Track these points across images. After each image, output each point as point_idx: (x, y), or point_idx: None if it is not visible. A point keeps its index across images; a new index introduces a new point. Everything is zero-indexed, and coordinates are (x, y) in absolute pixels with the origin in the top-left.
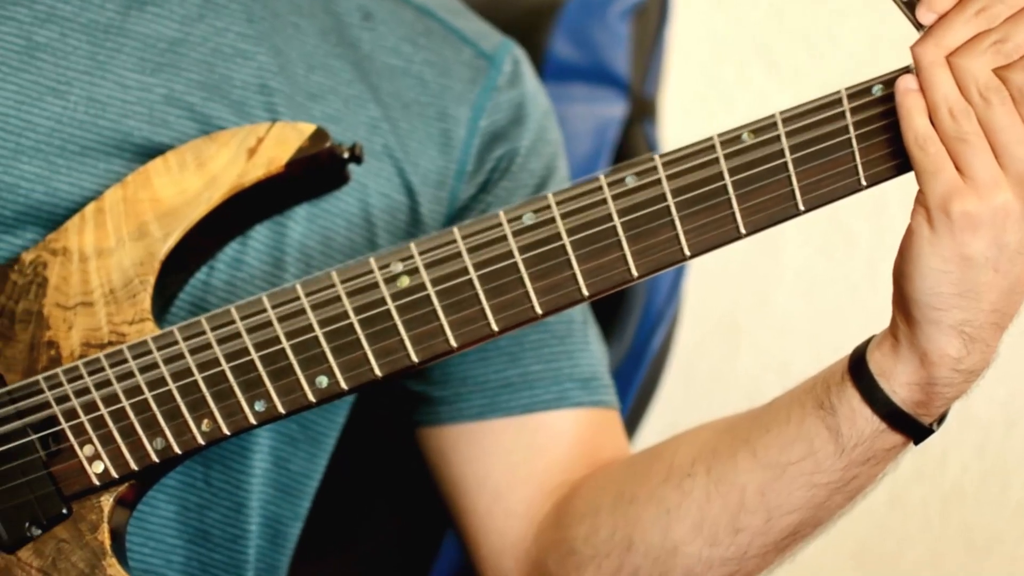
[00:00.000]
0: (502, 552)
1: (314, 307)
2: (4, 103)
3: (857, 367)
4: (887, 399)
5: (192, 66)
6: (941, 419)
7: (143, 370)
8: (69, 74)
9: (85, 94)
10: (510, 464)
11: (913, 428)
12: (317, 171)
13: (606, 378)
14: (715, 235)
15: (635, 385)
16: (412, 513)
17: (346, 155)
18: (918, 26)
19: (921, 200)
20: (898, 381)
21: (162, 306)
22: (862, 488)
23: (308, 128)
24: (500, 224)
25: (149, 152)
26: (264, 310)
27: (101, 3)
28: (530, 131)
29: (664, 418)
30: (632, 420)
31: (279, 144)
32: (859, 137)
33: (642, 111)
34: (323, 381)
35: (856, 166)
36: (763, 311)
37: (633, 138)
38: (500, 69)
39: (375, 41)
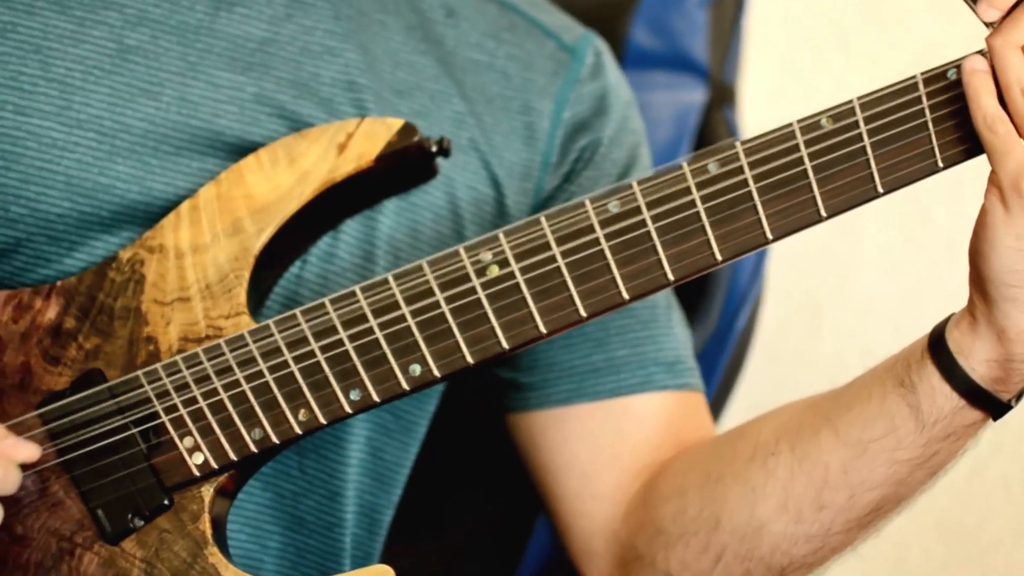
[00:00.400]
0: (592, 534)
1: (406, 297)
2: (98, 106)
3: (936, 345)
4: (966, 376)
5: (281, 65)
6: (1020, 395)
7: (240, 363)
8: (161, 75)
9: (177, 95)
10: (597, 447)
11: (992, 404)
12: (406, 165)
13: (690, 361)
14: (796, 219)
15: (720, 365)
16: (504, 498)
17: (434, 149)
18: (986, 24)
19: (994, 180)
20: (976, 358)
21: (257, 300)
22: (943, 464)
23: (397, 123)
24: (586, 212)
25: (241, 150)
26: (357, 301)
27: (191, 5)
28: (613, 121)
29: (749, 398)
30: (718, 400)
31: (368, 139)
32: (935, 120)
33: (722, 96)
34: (416, 369)
35: (933, 149)
36: (844, 292)
37: (714, 123)
38: (582, 61)
39: (459, 37)
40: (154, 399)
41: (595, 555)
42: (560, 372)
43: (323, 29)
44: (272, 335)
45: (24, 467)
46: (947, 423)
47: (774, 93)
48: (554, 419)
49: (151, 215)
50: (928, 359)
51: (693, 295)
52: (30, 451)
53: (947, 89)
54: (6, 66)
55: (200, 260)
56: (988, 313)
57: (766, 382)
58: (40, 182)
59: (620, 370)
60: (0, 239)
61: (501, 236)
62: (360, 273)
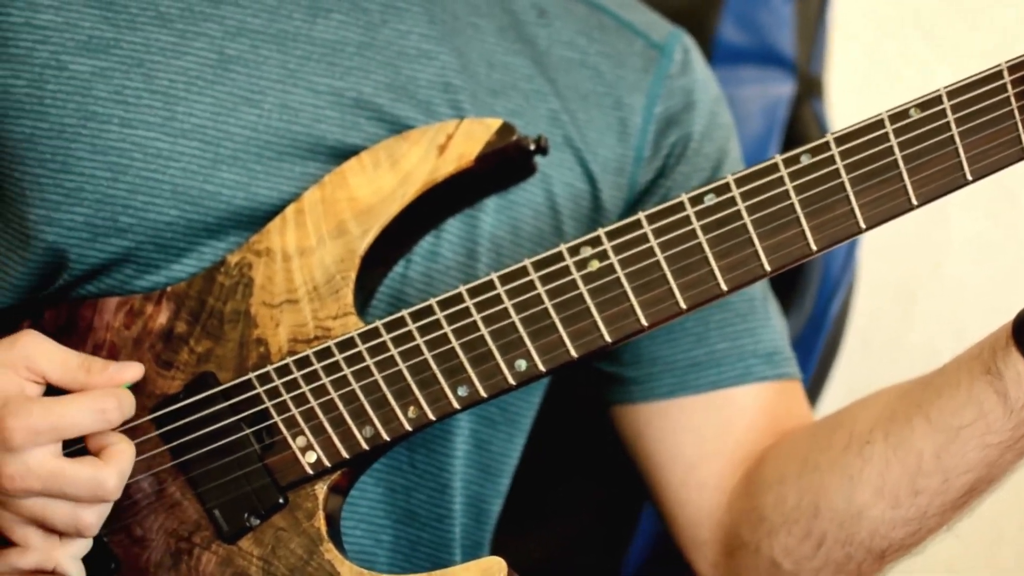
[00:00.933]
0: (698, 522)
1: (510, 295)
2: (201, 115)
3: (1020, 333)
4: None
5: (378, 69)
6: None
7: (350, 363)
8: (262, 83)
9: (278, 101)
10: (700, 439)
11: None
12: (505, 164)
13: (787, 351)
14: (888, 207)
15: (816, 352)
16: (610, 487)
17: (532, 147)
18: None
19: None
20: None
21: (363, 300)
22: None
23: (495, 123)
24: (683, 207)
25: (342, 154)
26: (464, 301)
27: (288, 13)
28: (702, 116)
29: (844, 383)
30: (814, 386)
31: (468, 139)
32: (1021, 108)
33: (810, 89)
34: (522, 364)
35: (1020, 135)
36: (936, 278)
37: (802, 115)
38: (671, 58)
39: (551, 36)
40: (266, 400)
41: (702, 543)
42: (663, 366)
43: (418, 33)
44: (381, 336)
45: (140, 470)
46: None
47: (860, 84)
48: (658, 412)
49: (256, 220)
50: (1013, 347)
51: (788, 283)
52: (134, 370)
53: None
54: (110, 81)
55: (307, 262)
56: None
57: (861, 368)
58: (148, 192)
59: (720, 363)
60: (110, 248)
61: (601, 233)
62: (464, 271)
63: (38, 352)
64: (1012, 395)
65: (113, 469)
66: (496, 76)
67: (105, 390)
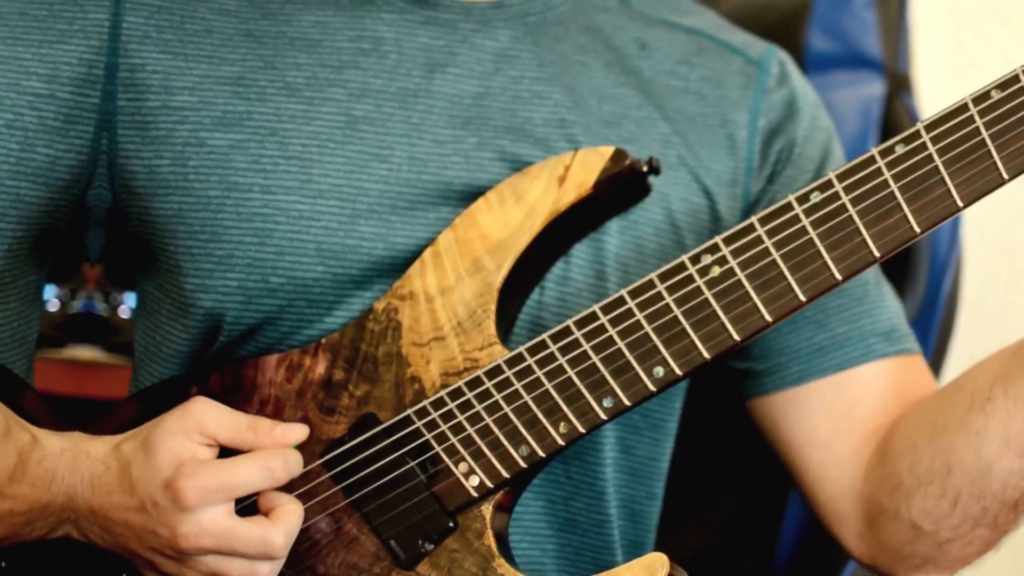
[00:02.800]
0: (839, 497)
1: (641, 307)
2: (336, 174)
3: None
4: None
5: (496, 114)
6: None
7: (500, 388)
8: (389, 139)
9: (406, 155)
10: (833, 418)
11: None
12: (622, 187)
13: (905, 328)
14: (982, 184)
15: (933, 329)
16: (756, 479)
17: (645, 169)
18: None
19: None
20: None
21: (505, 329)
22: None
23: (608, 150)
24: (792, 207)
25: (470, 195)
26: (598, 319)
27: (407, 72)
28: (804, 122)
29: (963, 356)
30: (935, 362)
31: (584, 168)
32: None
33: (899, 86)
34: (660, 371)
35: None
36: None
37: (895, 111)
38: (768, 72)
39: (654, 67)
40: (426, 432)
41: (845, 516)
42: (790, 355)
43: (530, 76)
44: (526, 360)
45: (317, 511)
46: None
47: (946, 75)
48: (791, 399)
49: (397, 267)
50: None
51: (899, 268)
52: (300, 430)
53: None
54: (247, 151)
55: (449, 301)
56: None
57: (978, 340)
58: (293, 252)
59: (843, 345)
60: (264, 308)
61: (719, 240)
62: (595, 291)
63: (208, 417)
64: None
65: (281, 528)
66: (607, 108)
67: (272, 450)
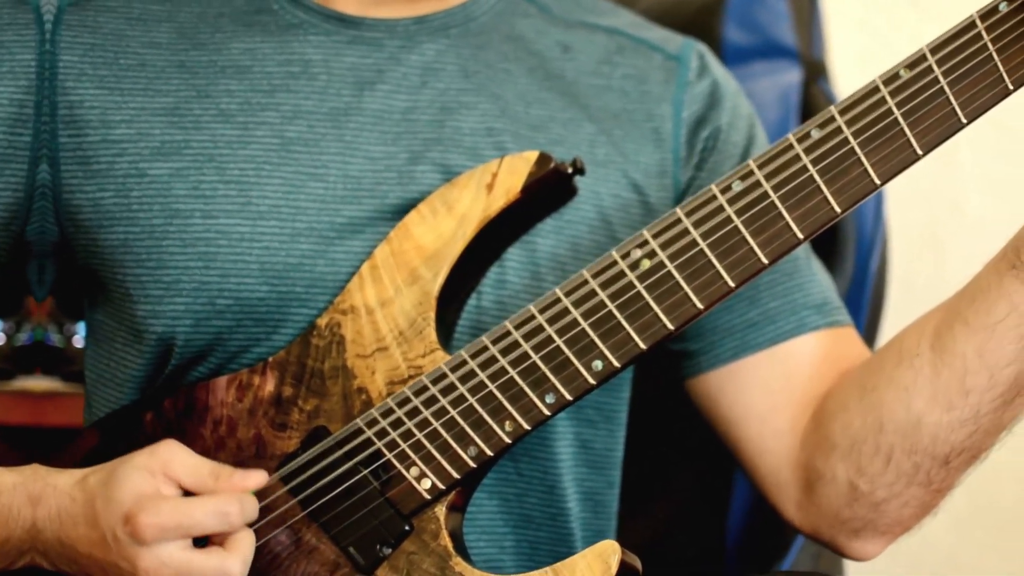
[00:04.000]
0: (778, 467)
1: (576, 304)
2: (273, 195)
3: None
4: None
5: (425, 127)
6: None
7: (445, 393)
8: (323, 158)
9: (341, 172)
10: (769, 391)
11: None
12: (549, 189)
13: (836, 301)
14: (897, 161)
15: (864, 307)
16: (703, 464)
17: (570, 170)
18: None
19: None
20: None
21: (446, 335)
22: None
23: (532, 155)
24: (715, 196)
25: (404, 208)
26: (533, 317)
27: (337, 92)
28: (726, 110)
29: (895, 331)
30: (868, 338)
31: (511, 174)
32: (998, 50)
33: (815, 72)
34: (598, 364)
35: (1001, 75)
36: (959, 220)
37: (813, 96)
38: (688, 65)
39: (577, 68)
40: (376, 441)
41: (784, 485)
42: (723, 333)
43: (456, 88)
44: (468, 363)
45: (276, 525)
46: None
47: (860, 58)
48: (727, 375)
49: (339, 282)
50: None
51: (827, 248)
52: (258, 477)
53: (1002, 21)
54: (187, 178)
55: (389, 312)
56: None
57: (907, 314)
58: (237, 273)
59: (775, 319)
60: (213, 329)
61: (646, 233)
62: (531, 292)
63: (175, 459)
64: None
65: (237, 557)
66: (534, 112)
67: (230, 495)
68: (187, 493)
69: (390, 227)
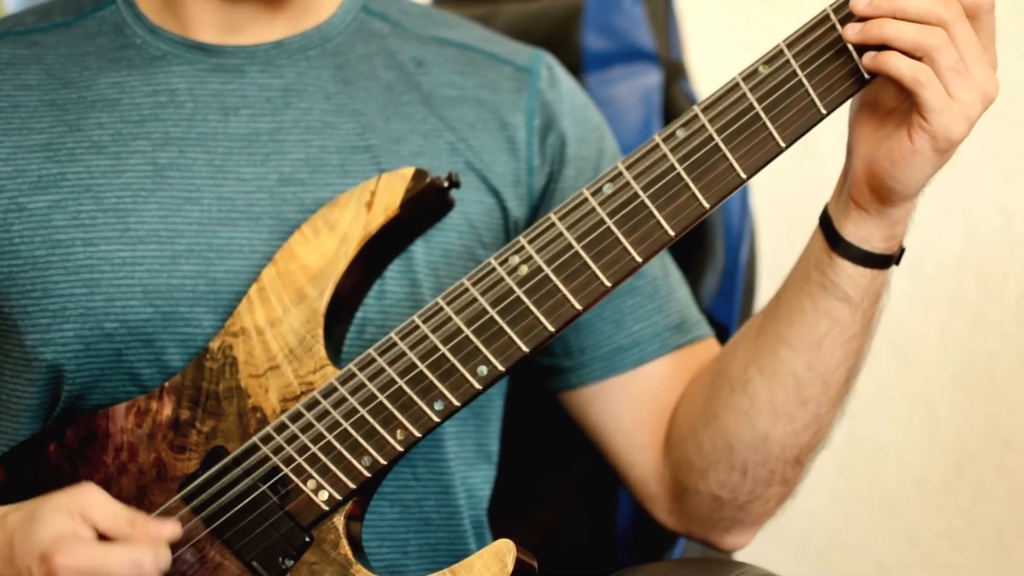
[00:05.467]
0: (646, 479)
1: (457, 312)
2: (151, 220)
3: (841, 245)
4: (873, 256)
5: (292, 147)
6: (901, 240)
7: (336, 406)
8: (196, 182)
9: (214, 195)
10: (635, 408)
11: (895, 259)
12: (426, 204)
13: (694, 315)
14: (761, 155)
15: (736, 298)
16: (592, 459)
17: (446, 184)
18: None
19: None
20: (876, 239)
21: (335, 350)
22: (877, 318)
23: (409, 171)
24: (586, 199)
25: (280, 227)
26: (418, 327)
27: (204, 118)
28: (572, 120)
29: None
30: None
31: (389, 191)
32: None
33: (675, 73)
34: (483, 370)
35: (857, 65)
36: (820, 205)
37: (674, 97)
38: (539, 76)
39: (433, 81)
40: (273, 456)
41: (654, 495)
42: (592, 354)
43: (319, 108)
44: (357, 376)
45: (181, 543)
46: (871, 292)
47: (717, 57)
48: (595, 393)
49: (221, 300)
50: (838, 258)
51: (697, 245)
52: (172, 528)
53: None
54: (65, 209)
55: (279, 331)
56: (883, 209)
57: None
58: (122, 296)
59: (639, 343)
60: (103, 353)
61: (522, 239)
62: (411, 300)
63: (93, 503)
64: (853, 295)
65: None
66: (395, 125)
67: (145, 545)
68: (102, 537)
69: (267, 245)
